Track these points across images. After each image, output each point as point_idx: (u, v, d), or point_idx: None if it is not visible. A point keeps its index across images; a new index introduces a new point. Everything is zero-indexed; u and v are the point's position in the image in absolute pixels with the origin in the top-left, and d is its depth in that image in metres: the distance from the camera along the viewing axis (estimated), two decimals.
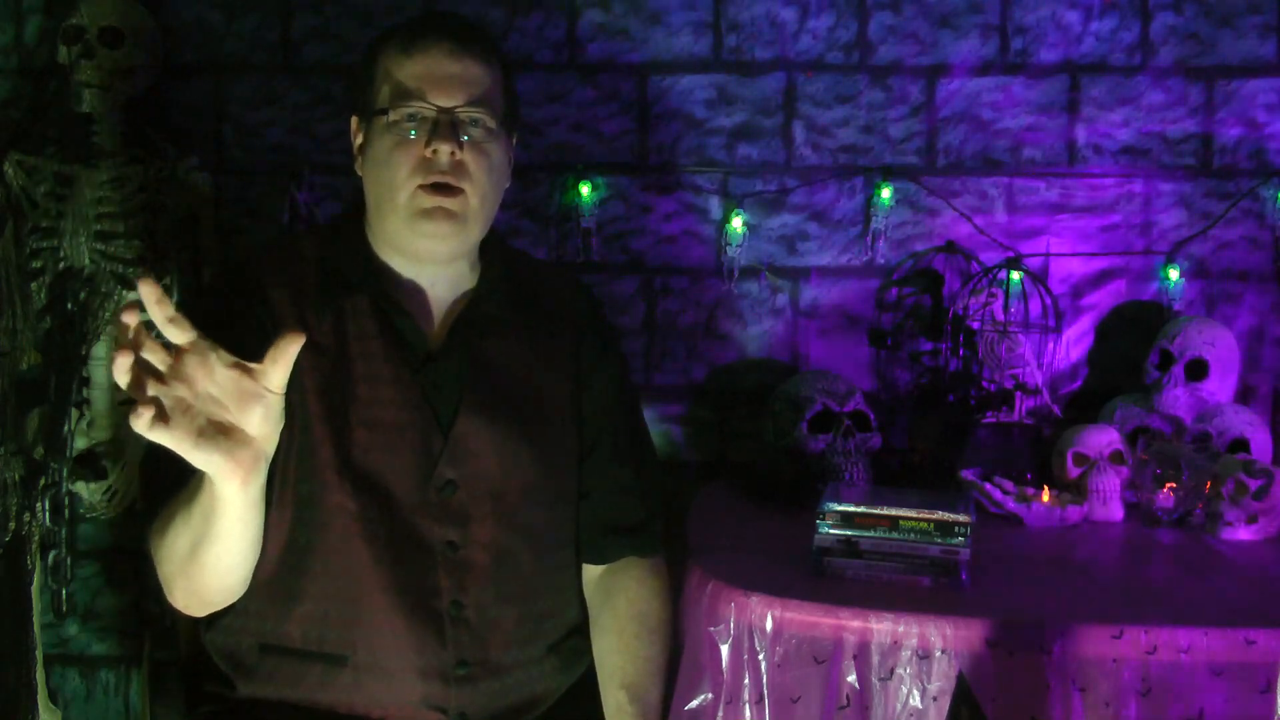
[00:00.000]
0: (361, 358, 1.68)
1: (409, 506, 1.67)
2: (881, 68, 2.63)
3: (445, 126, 1.65)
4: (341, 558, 1.66)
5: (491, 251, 1.80)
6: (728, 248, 2.62)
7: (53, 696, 2.61)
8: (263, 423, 1.35)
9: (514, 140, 1.79)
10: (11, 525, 2.36)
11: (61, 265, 2.38)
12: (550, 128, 2.63)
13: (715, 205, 2.65)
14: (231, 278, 1.74)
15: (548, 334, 1.81)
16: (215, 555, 1.51)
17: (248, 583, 1.62)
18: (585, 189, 2.59)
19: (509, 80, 1.76)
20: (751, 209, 2.64)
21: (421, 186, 1.66)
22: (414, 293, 1.74)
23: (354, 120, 1.77)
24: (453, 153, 1.65)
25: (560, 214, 2.64)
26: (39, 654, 2.45)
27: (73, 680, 2.67)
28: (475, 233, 1.72)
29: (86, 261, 2.38)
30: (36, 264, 2.38)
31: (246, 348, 1.55)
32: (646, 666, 1.78)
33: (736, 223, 2.61)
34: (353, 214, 1.80)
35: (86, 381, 2.41)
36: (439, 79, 1.66)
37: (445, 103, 1.66)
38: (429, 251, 1.71)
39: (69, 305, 2.37)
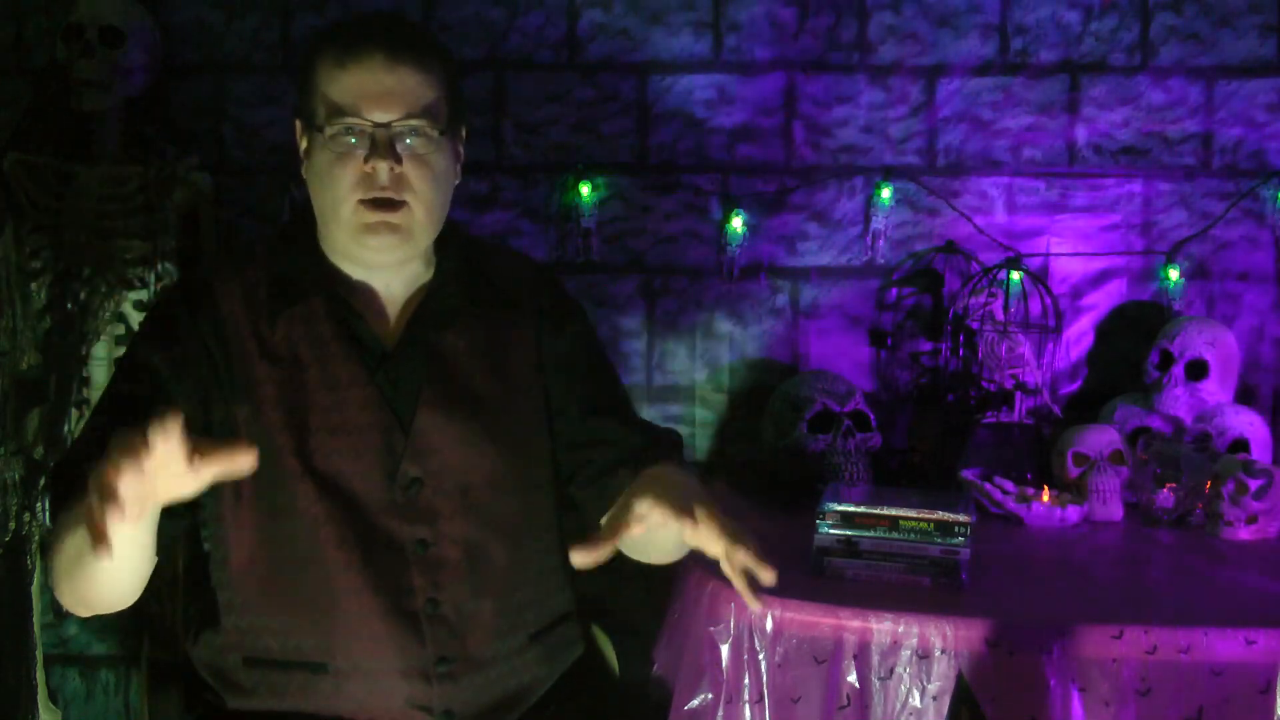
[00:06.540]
0: (317, 362, 1.68)
1: (376, 507, 1.67)
2: (881, 68, 2.63)
3: (383, 143, 1.63)
4: (314, 564, 1.66)
5: (447, 244, 1.78)
6: (728, 248, 2.62)
7: (53, 696, 2.60)
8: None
9: (463, 135, 1.77)
10: (11, 525, 2.36)
11: (61, 265, 2.37)
12: (550, 128, 2.63)
13: (715, 205, 2.65)
14: (184, 293, 1.73)
15: (509, 321, 1.79)
16: (99, 567, 1.48)
17: (137, 595, 1.59)
18: (585, 189, 2.59)
19: (452, 80, 1.71)
20: (751, 209, 2.64)
21: (362, 201, 1.64)
22: (367, 294, 1.73)
23: (298, 124, 1.74)
24: (391, 168, 1.63)
25: (560, 214, 2.63)
26: (39, 654, 2.45)
27: (73, 680, 2.67)
28: (423, 241, 1.71)
29: (86, 261, 2.38)
30: (36, 264, 2.38)
31: (190, 368, 1.63)
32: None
33: (736, 223, 2.61)
34: (303, 219, 1.78)
35: (86, 381, 2.41)
36: (374, 94, 1.62)
37: (381, 118, 1.62)
38: (377, 261, 1.71)
39: (69, 305, 2.37)
